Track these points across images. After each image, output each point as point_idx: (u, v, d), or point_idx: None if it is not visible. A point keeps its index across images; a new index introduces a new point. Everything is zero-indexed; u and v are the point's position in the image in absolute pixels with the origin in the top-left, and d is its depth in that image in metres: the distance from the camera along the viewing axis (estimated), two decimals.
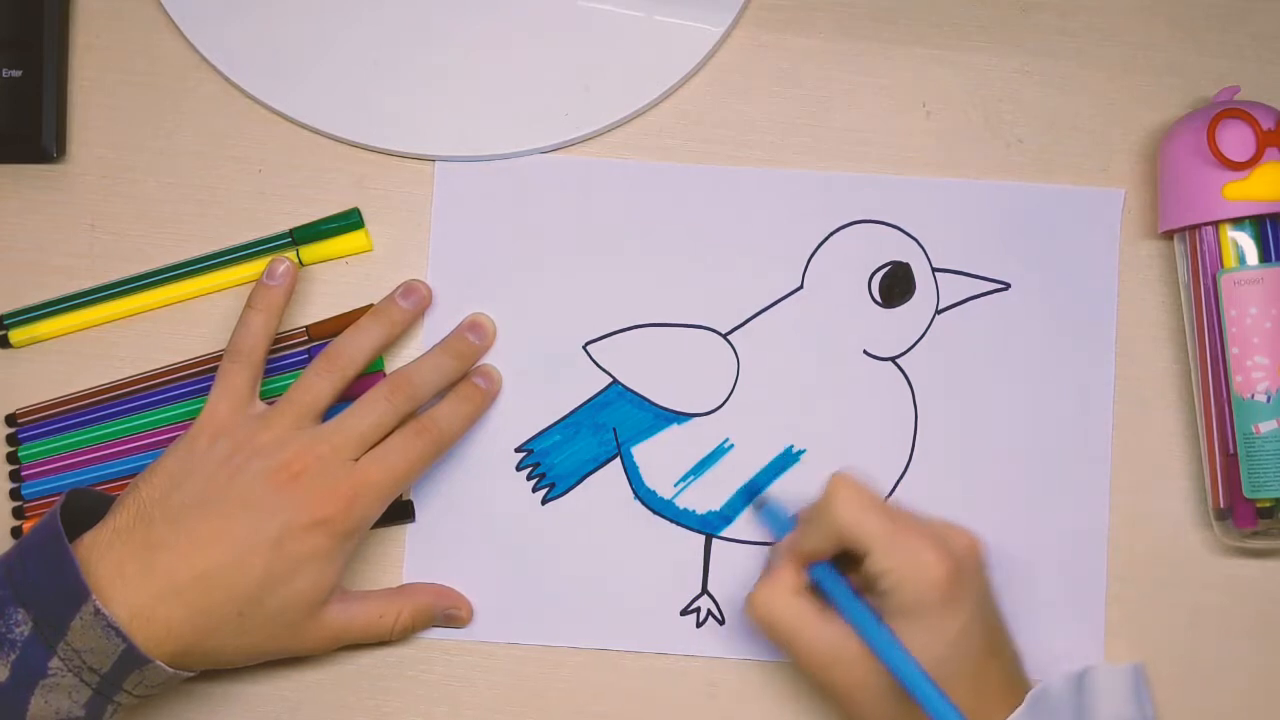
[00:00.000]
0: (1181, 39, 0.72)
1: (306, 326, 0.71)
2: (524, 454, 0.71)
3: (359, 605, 0.68)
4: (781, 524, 0.68)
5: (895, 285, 0.71)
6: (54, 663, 0.60)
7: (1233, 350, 0.67)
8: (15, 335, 0.71)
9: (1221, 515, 0.68)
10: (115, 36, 0.73)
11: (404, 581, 0.71)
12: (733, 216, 0.72)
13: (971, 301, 0.71)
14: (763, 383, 0.71)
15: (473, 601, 0.70)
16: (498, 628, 0.71)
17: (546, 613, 0.70)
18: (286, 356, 0.71)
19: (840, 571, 0.65)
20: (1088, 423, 0.70)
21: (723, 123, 0.72)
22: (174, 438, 0.68)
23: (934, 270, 0.71)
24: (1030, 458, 0.70)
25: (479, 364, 0.71)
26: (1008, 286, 0.71)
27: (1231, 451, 0.67)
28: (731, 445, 0.71)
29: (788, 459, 0.71)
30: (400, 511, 0.70)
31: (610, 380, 0.71)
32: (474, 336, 0.70)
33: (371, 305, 0.71)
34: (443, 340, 0.71)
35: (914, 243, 0.71)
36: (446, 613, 0.70)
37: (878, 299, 0.71)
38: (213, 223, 0.72)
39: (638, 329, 0.71)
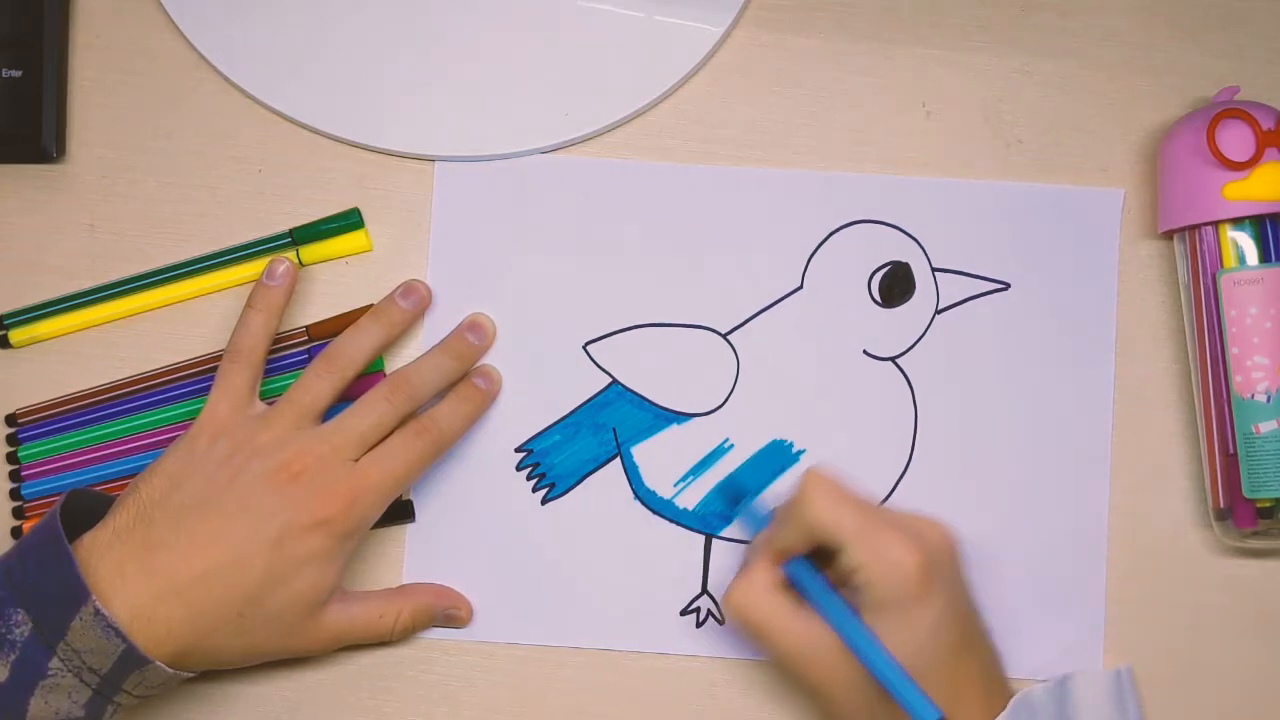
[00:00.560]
0: (1181, 39, 0.72)
1: (306, 326, 0.71)
2: (524, 454, 0.71)
3: (359, 605, 0.68)
4: (758, 521, 0.68)
5: (895, 285, 0.71)
6: (54, 663, 0.60)
7: (1233, 350, 0.67)
8: (15, 335, 0.71)
9: (1221, 515, 0.68)
10: (115, 36, 0.73)
11: (404, 581, 0.71)
12: (733, 216, 0.72)
13: (971, 301, 0.71)
14: (763, 383, 0.71)
15: (473, 601, 0.70)
16: (498, 628, 0.71)
17: (546, 613, 0.70)
18: (286, 356, 0.71)
19: (816, 567, 0.65)
20: (1088, 423, 0.70)
21: (723, 123, 0.72)
22: (174, 438, 0.68)
23: (934, 270, 0.71)
24: (1030, 458, 0.70)
25: (479, 364, 0.71)
26: (1008, 286, 0.71)
27: (1231, 451, 0.67)
28: (731, 445, 0.71)
29: (787, 459, 0.71)
30: (400, 511, 0.70)
31: (610, 380, 0.71)
32: (474, 336, 0.70)
33: (371, 305, 0.71)
34: (442, 340, 0.71)
35: (914, 243, 0.71)
36: (446, 613, 0.70)
37: (878, 299, 0.71)
38: (213, 223, 0.72)
39: (638, 329, 0.71)
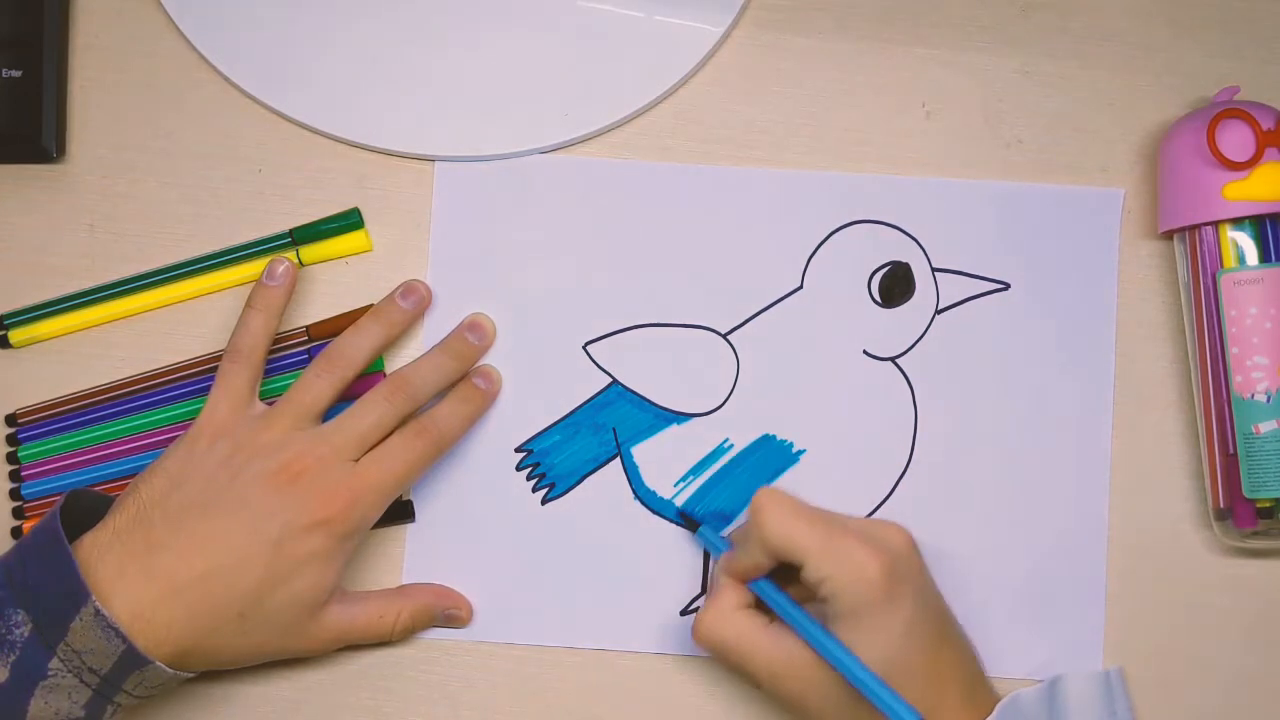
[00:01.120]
0: (1181, 39, 0.72)
1: (306, 326, 0.71)
2: (524, 454, 0.71)
3: (359, 606, 0.68)
4: (717, 547, 0.68)
5: (895, 285, 0.71)
6: (54, 663, 0.60)
7: (1232, 350, 0.67)
8: (15, 335, 0.71)
9: (1221, 515, 0.68)
10: (115, 36, 0.73)
11: (404, 581, 0.71)
12: (733, 216, 0.72)
13: (971, 301, 0.71)
14: (763, 383, 0.71)
15: (473, 601, 0.70)
16: (498, 628, 0.71)
17: (546, 613, 0.70)
18: (286, 356, 0.71)
19: (781, 584, 0.65)
20: (1088, 423, 0.70)
21: (723, 123, 0.72)
22: (174, 438, 0.68)
23: (934, 270, 0.71)
24: (1030, 458, 0.70)
25: (479, 364, 0.71)
26: (1007, 286, 0.71)
27: (1231, 451, 0.67)
28: (731, 445, 0.71)
29: (787, 459, 0.71)
30: (400, 511, 0.70)
31: (610, 380, 0.71)
32: (473, 336, 0.70)
33: (371, 305, 0.71)
34: (442, 340, 0.71)
35: (914, 243, 0.71)
36: (446, 613, 0.70)
37: (878, 299, 0.71)
38: (213, 223, 0.72)
39: (638, 329, 0.71)
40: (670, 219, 0.72)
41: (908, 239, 0.71)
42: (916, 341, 0.71)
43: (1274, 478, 0.66)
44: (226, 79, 0.72)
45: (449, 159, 0.72)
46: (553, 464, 0.71)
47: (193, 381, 0.71)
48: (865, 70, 0.72)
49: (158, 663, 0.61)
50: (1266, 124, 0.66)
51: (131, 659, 0.61)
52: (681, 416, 0.71)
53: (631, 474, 0.71)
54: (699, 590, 0.70)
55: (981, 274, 0.71)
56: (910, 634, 0.62)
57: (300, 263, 0.71)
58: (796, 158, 0.72)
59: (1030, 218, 0.71)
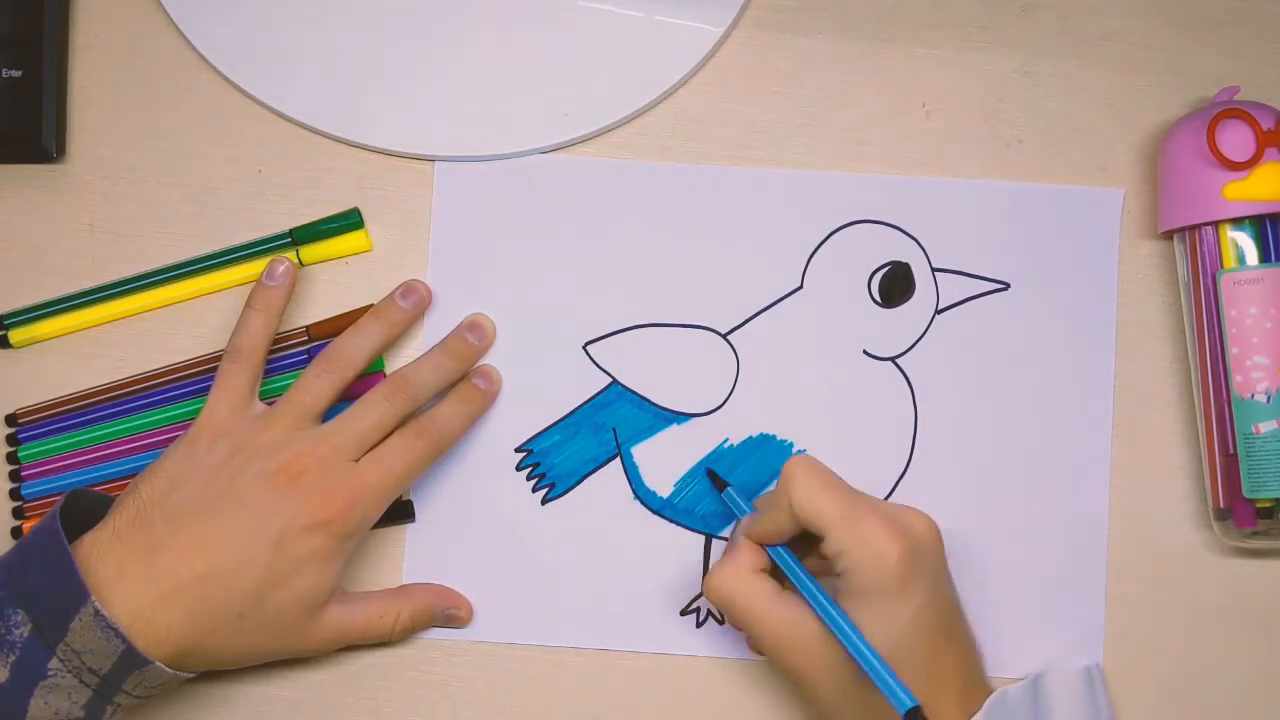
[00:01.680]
0: (1181, 39, 0.72)
1: (306, 326, 0.71)
2: (524, 454, 0.71)
3: (359, 606, 0.68)
4: (742, 508, 0.68)
5: (895, 285, 0.71)
6: (53, 663, 0.60)
7: (1232, 350, 0.67)
8: (15, 335, 0.71)
9: (1221, 515, 0.68)
10: (115, 36, 0.73)
11: (404, 581, 0.71)
12: (733, 216, 0.72)
13: (971, 301, 0.71)
14: (763, 383, 0.71)
15: (473, 601, 0.70)
16: (498, 628, 0.71)
17: (546, 613, 0.70)
18: (286, 356, 0.71)
19: (799, 554, 0.65)
20: (1088, 423, 0.70)
21: (723, 123, 0.72)
22: (174, 438, 0.68)
23: (934, 270, 0.71)
24: (1030, 458, 0.70)
25: (479, 364, 0.71)
26: (1008, 286, 0.71)
27: (1231, 451, 0.67)
28: (731, 445, 0.71)
29: (787, 459, 0.70)
30: (400, 511, 0.70)
31: (610, 380, 0.71)
32: (473, 337, 0.70)
33: (371, 305, 0.71)
34: (442, 341, 0.71)
35: (914, 243, 0.71)
36: (446, 613, 0.70)
37: (878, 299, 0.71)
38: (213, 223, 0.72)
39: (638, 329, 0.71)
40: (670, 219, 0.72)
41: (908, 239, 0.71)
42: (916, 341, 0.71)
43: (1274, 478, 0.66)
44: (226, 79, 0.72)
45: (449, 159, 0.72)
46: (553, 464, 0.71)
47: (193, 381, 0.71)
48: (865, 70, 0.72)
49: (157, 663, 0.61)
50: (1266, 124, 0.66)
51: (131, 659, 0.61)
52: (681, 416, 0.71)
53: (631, 474, 0.71)
54: (699, 590, 0.70)
55: (981, 274, 0.71)
56: (918, 624, 0.62)
57: (300, 263, 0.71)
58: (796, 158, 0.72)
59: (1030, 218, 0.71)
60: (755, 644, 0.66)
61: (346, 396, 0.68)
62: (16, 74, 0.70)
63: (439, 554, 0.71)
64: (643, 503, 0.71)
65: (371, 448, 0.66)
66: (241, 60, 0.72)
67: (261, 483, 0.64)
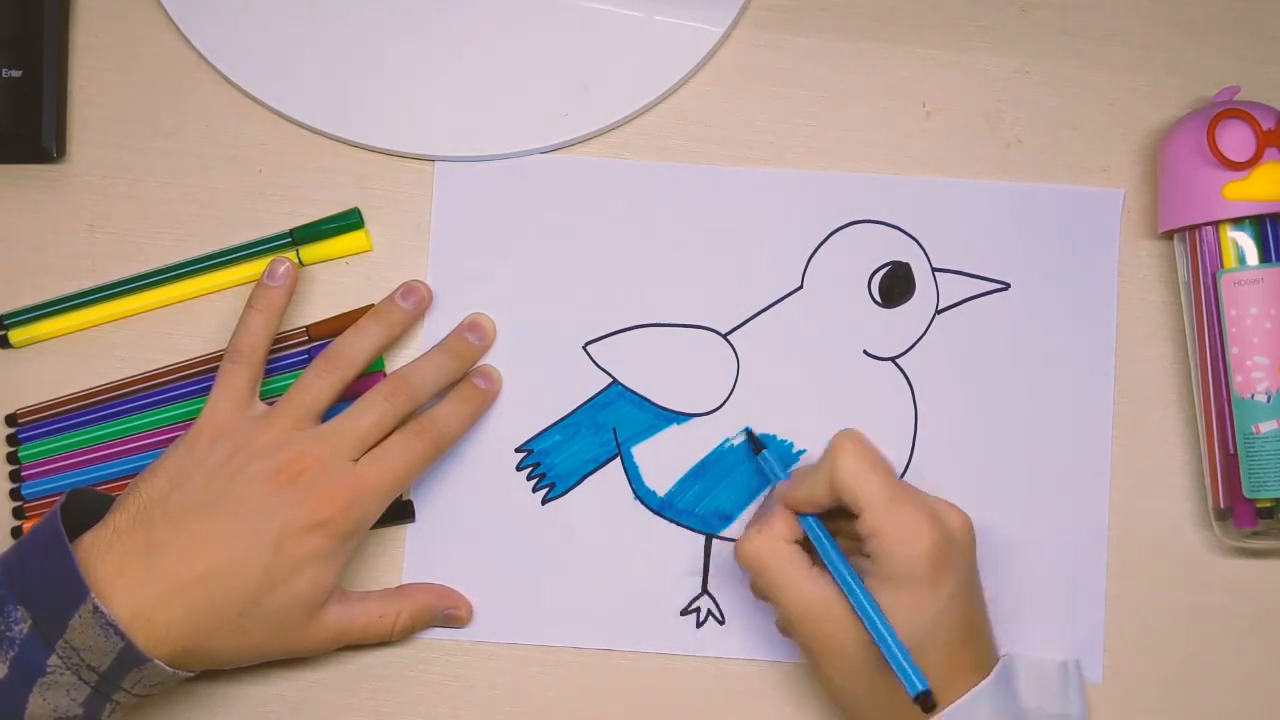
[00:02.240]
0: (1181, 39, 0.72)
1: (306, 326, 0.71)
2: (524, 454, 0.71)
3: (359, 606, 0.68)
4: (778, 474, 0.68)
5: (895, 285, 0.71)
6: (52, 660, 0.60)
7: (1233, 350, 0.67)
8: (15, 335, 0.71)
9: (1221, 515, 0.68)
10: (115, 36, 0.73)
11: (404, 581, 0.71)
12: (733, 216, 0.72)
13: (971, 301, 0.71)
14: (763, 383, 0.71)
15: (473, 601, 0.70)
16: (498, 628, 0.71)
17: (546, 613, 0.70)
18: (286, 356, 0.71)
19: (829, 531, 0.65)
20: (1088, 423, 0.70)
21: (723, 123, 0.72)
22: (174, 438, 0.68)
23: (934, 270, 0.71)
24: (1030, 458, 0.70)
25: (479, 364, 0.71)
26: (1008, 286, 0.71)
27: (1231, 451, 0.67)
28: (731, 445, 0.71)
29: (787, 459, 0.71)
30: (400, 511, 0.70)
31: (610, 380, 0.71)
32: (473, 337, 0.70)
33: (371, 305, 0.71)
34: (442, 341, 0.71)
35: (914, 243, 0.71)
36: (446, 613, 0.70)
37: (878, 299, 0.71)
38: (213, 223, 0.72)
39: (638, 329, 0.71)
40: (670, 219, 0.72)
41: (908, 239, 0.71)
42: (916, 341, 0.71)
43: (1274, 478, 0.66)
44: (226, 79, 0.72)
45: (449, 159, 0.72)
46: (553, 464, 0.71)
47: (193, 381, 0.71)
48: (865, 70, 0.72)
49: (156, 661, 0.61)
50: (1266, 124, 0.66)
51: (130, 657, 0.61)
52: (681, 416, 0.71)
53: (631, 474, 0.71)
54: (699, 590, 0.70)
55: (981, 274, 0.71)
56: (942, 618, 0.62)
57: (300, 263, 0.71)
58: (796, 158, 0.72)
59: (1030, 218, 0.71)
60: (778, 613, 0.65)
61: (346, 396, 0.68)
62: (16, 74, 0.70)
63: (439, 554, 0.71)
64: (643, 503, 0.71)
65: (371, 447, 0.66)
66: (241, 60, 0.72)
67: (261, 482, 0.64)
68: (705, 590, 0.70)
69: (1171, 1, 0.72)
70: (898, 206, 0.71)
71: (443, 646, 0.71)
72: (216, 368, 0.68)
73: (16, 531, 0.71)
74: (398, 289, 0.70)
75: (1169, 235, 0.70)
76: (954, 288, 0.71)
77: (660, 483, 0.71)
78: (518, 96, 0.71)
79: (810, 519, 0.65)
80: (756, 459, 0.70)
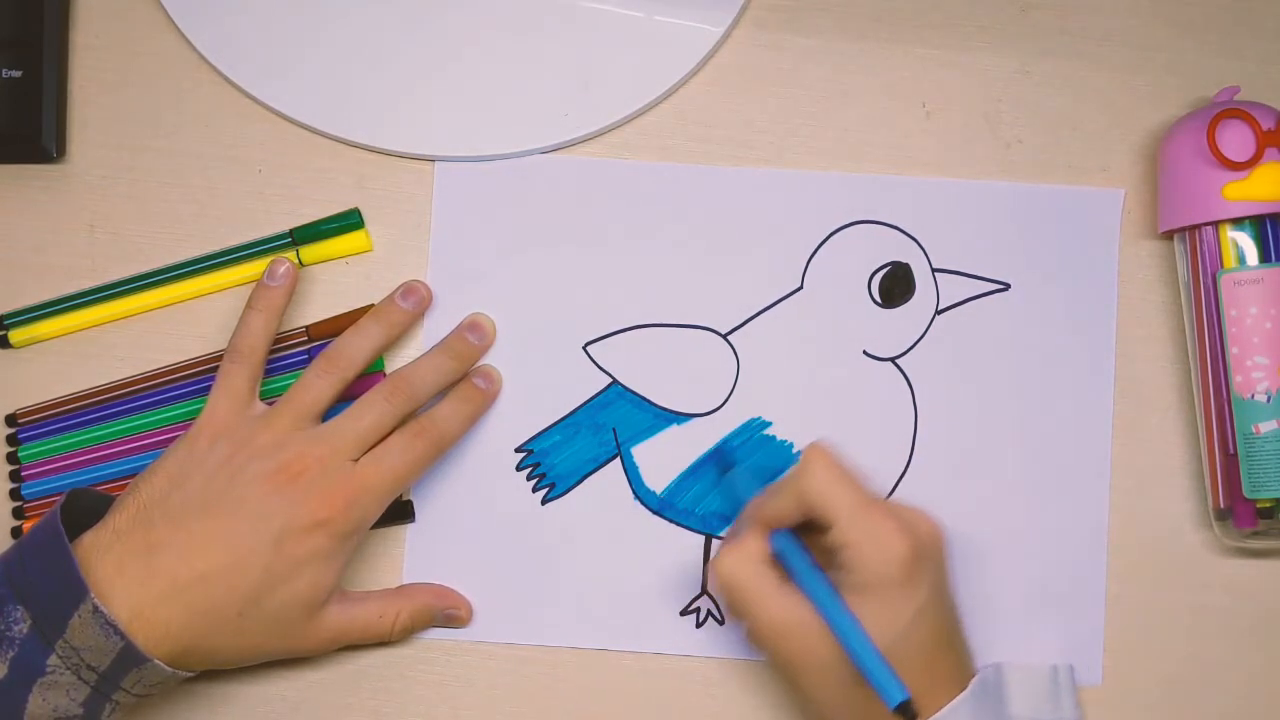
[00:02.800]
0: (1181, 39, 0.72)
1: (306, 326, 0.71)
2: (524, 454, 0.71)
3: (358, 606, 0.68)
4: (749, 489, 0.68)
5: (895, 285, 0.71)
6: (52, 660, 0.60)
7: (1233, 350, 0.67)
8: (15, 335, 0.71)
9: (1221, 515, 0.68)
10: (115, 36, 0.73)
11: (404, 581, 0.71)
12: (733, 216, 0.72)
13: (971, 302, 0.71)
14: (763, 383, 0.71)
15: (473, 601, 0.70)
16: (498, 628, 0.71)
17: (546, 613, 0.70)
18: (286, 356, 0.71)
19: (802, 544, 0.65)
20: (1088, 422, 0.70)
21: (723, 123, 0.72)
22: (174, 438, 0.68)
23: (934, 270, 0.71)
24: (1030, 458, 0.70)
25: (479, 364, 0.71)
26: (1008, 287, 0.71)
27: (1231, 451, 0.67)
28: (731, 446, 0.71)
29: (787, 459, 0.71)
30: (400, 511, 0.70)
31: (610, 380, 0.71)
32: (473, 337, 0.70)
33: (371, 305, 0.71)
34: (442, 341, 0.71)
35: (914, 243, 0.71)
36: (446, 613, 0.70)
37: (878, 299, 0.71)
38: (213, 223, 0.72)
39: (638, 329, 0.71)
40: (670, 219, 0.72)
41: (908, 239, 0.71)
42: (916, 342, 0.71)
43: (1274, 478, 0.66)
44: (226, 79, 0.72)
45: (449, 159, 0.72)
46: (553, 464, 0.71)
47: (193, 381, 0.71)
48: (865, 70, 0.72)
49: (156, 660, 0.61)
50: (1266, 124, 0.66)
51: (130, 656, 0.61)
52: (681, 416, 0.71)
53: (631, 474, 0.71)
54: (699, 590, 0.70)
55: (981, 274, 0.71)
56: (916, 626, 0.62)
57: (300, 263, 0.71)
58: (796, 158, 0.72)
59: (1030, 218, 0.71)
60: (752, 633, 0.65)
61: (346, 396, 0.68)
62: (16, 74, 0.70)
63: (439, 554, 0.71)
64: (643, 503, 0.71)
65: (371, 447, 0.66)
66: (241, 60, 0.72)
67: (261, 482, 0.64)
68: (705, 590, 0.70)
69: (1171, 1, 0.72)
70: (898, 206, 0.71)
71: (443, 646, 0.71)
72: (216, 368, 0.68)
73: (16, 532, 0.71)
74: (398, 289, 0.70)
75: (1169, 235, 0.70)
76: (954, 288, 0.71)
77: (660, 483, 0.71)
78: (518, 96, 0.71)
79: (782, 534, 0.65)
80: (727, 477, 0.70)
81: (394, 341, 0.70)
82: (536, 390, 0.71)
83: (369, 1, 0.72)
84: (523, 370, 0.71)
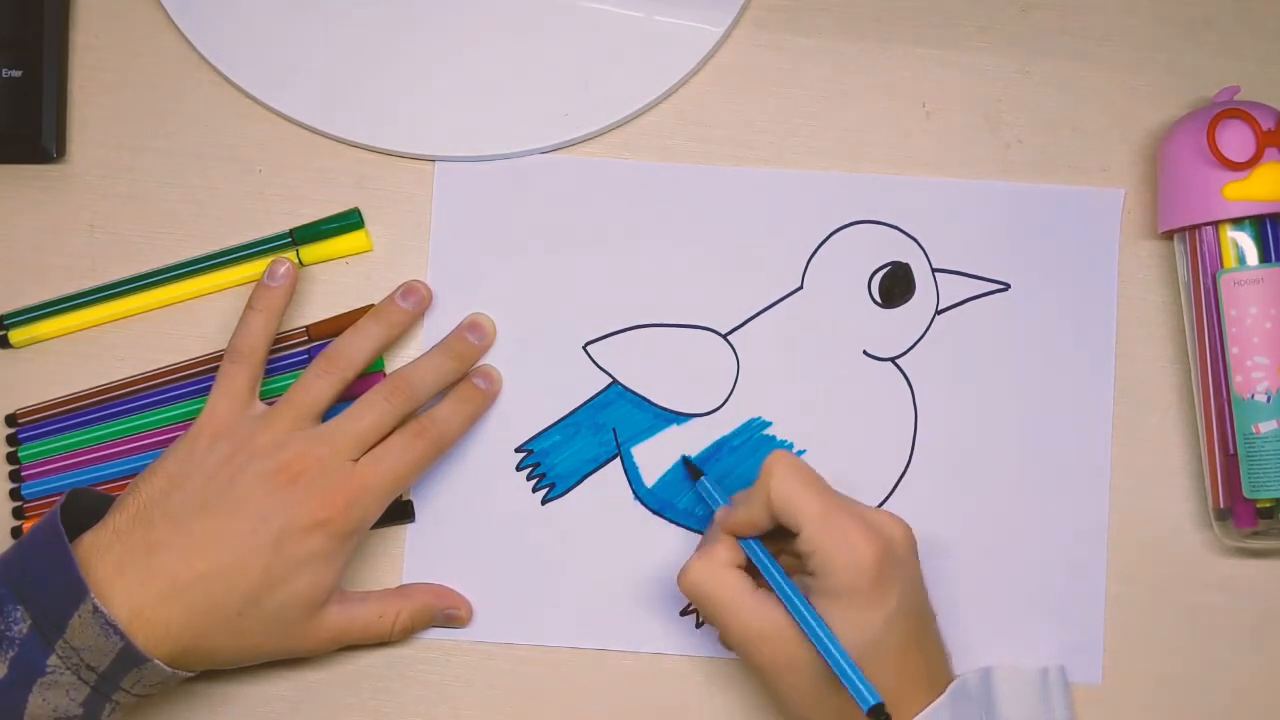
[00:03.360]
0: (1181, 39, 0.72)
1: (306, 326, 0.71)
2: (524, 454, 0.71)
3: (358, 606, 0.68)
4: (716, 499, 0.68)
5: (895, 285, 0.71)
6: (52, 660, 0.60)
7: (1233, 350, 0.67)
8: (15, 335, 0.71)
9: (1221, 515, 0.68)
10: (115, 36, 0.73)
11: (404, 581, 0.71)
12: (733, 216, 0.72)
13: (971, 302, 0.71)
14: (763, 383, 0.71)
15: (473, 601, 0.70)
16: (498, 628, 0.71)
17: (546, 613, 0.70)
18: (286, 356, 0.71)
19: (771, 551, 0.65)
20: (1088, 422, 0.70)
21: (723, 123, 0.72)
22: (174, 438, 0.68)
23: (934, 270, 0.71)
24: (1030, 458, 0.70)
25: (479, 364, 0.71)
26: (1008, 287, 0.71)
27: (1231, 451, 0.67)
28: (731, 446, 0.71)
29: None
30: (400, 511, 0.70)
31: (610, 380, 0.71)
32: (473, 337, 0.70)
33: (371, 305, 0.71)
34: (442, 341, 0.71)
35: (914, 243, 0.71)
36: (446, 613, 0.70)
37: (877, 299, 0.71)
38: (213, 223, 0.72)
39: (638, 329, 0.71)
40: (670, 219, 0.72)
41: (908, 239, 0.71)
42: (916, 342, 0.71)
43: (1274, 478, 0.66)
44: (226, 79, 0.72)
45: (449, 159, 0.72)
46: (553, 464, 0.71)
47: (193, 381, 0.71)
48: (865, 70, 0.72)
49: (156, 660, 0.61)
50: (1266, 124, 0.66)
51: (129, 656, 0.61)
52: (681, 416, 0.71)
53: (631, 474, 0.71)
54: None
55: (981, 274, 0.71)
56: (888, 628, 0.62)
57: (300, 263, 0.71)
58: (796, 158, 0.72)
59: (1030, 218, 0.71)
60: (725, 638, 0.65)
61: (346, 396, 0.68)
62: (16, 74, 0.70)
63: (439, 554, 0.71)
64: (643, 503, 0.71)
65: (371, 447, 0.66)
66: (241, 60, 0.72)
67: (261, 482, 0.64)
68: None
69: (1171, 1, 0.72)
70: (898, 206, 0.71)
71: (443, 646, 0.71)
72: (216, 368, 0.68)
73: (16, 532, 0.71)
74: (398, 289, 0.70)
75: (1169, 235, 0.70)
76: (954, 288, 0.71)
77: (662, 485, 0.71)
78: (518, 96, 0.71)
79: (752, 541, 0.65)
80: (695, 487, 0.70)
81: (394, 341, 0.70)
82: (536, 390, 0.71)
83: (369, 2, 0.72)
84: (523, 370, 0.71)
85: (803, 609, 0.62)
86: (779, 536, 0.65)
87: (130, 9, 0.73)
